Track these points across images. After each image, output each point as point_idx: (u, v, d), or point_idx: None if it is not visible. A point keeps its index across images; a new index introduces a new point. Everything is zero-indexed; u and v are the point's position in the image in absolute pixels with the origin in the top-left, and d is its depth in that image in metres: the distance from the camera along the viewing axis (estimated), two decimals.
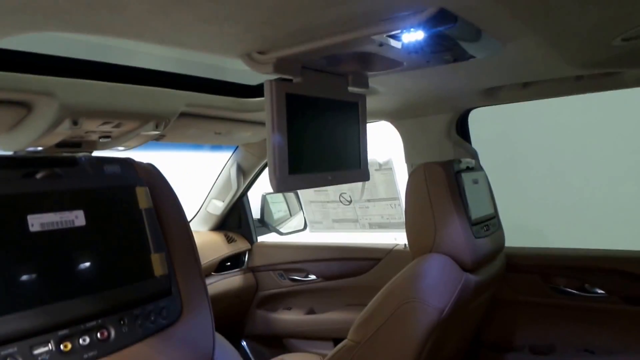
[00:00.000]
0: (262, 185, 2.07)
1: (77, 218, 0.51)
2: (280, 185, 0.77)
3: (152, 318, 0.55)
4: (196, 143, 1.96)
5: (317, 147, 0.86)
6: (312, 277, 2.01)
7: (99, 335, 0.50)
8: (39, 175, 0.51)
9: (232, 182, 2.00)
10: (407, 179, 1.31)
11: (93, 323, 0.50)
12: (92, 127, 0.96)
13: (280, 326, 2.03)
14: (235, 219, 2.14)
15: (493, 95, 1.34)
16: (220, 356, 0.64)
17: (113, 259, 0.53)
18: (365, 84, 0.98)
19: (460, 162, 1.33)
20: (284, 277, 2.06)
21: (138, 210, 0.57)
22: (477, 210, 1.30)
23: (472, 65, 0.92)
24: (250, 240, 2.13)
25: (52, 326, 0.47)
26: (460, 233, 1.19)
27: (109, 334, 0.51)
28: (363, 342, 1.09)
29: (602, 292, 1.45)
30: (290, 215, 2.29)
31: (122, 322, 0.52)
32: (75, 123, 0.88)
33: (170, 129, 1.19)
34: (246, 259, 2.12)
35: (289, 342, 2.03)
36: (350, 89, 0.96)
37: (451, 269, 1.16)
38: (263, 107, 1.37)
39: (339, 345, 1.14)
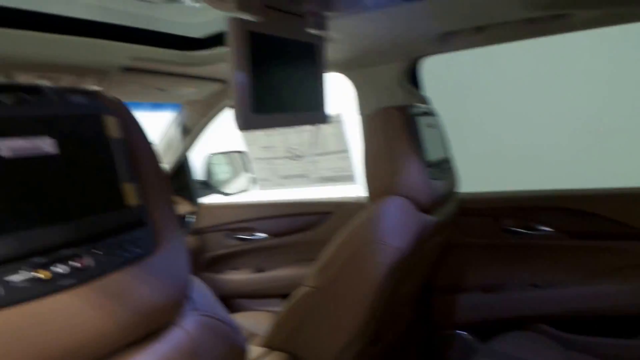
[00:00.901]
0: (207, 146, 2.00)
1: (47, 145, 0.49)
2: (245, 123, 0.76)
3: (128, 248, 0.54)
4: (137, 101, 1.84)
5: (279, 88, 0.85)
6: (260, 235, 1.99)
7: (75, 263, 0.49)
8: (5, 100, 0.48)
9: (175, 143, 1.92)
10: (365, 124, 1.30)
11: (69, 251, 0.49)
12: (27, 82, 0.87)
13: (227, 287, 2.01)
14: (178, 181, 2.07)
15: (446, 42, 1.33)
16: (195, 290, 0.65)
17: (84, 188, 0.52)
18: (324, 26, 0.95)
19: (415, 106, 1.34)
20: (230, 237, 2.03)
21: (107, 139, 0.54)
22: (432, 153, 1.32)
23: (428, 7, 0.91)
24: (194, 202, 2.07)
25: (26, 253, 0.46)
26: (417, 175, 1.20)
27: (86, 262, 0.50)
28: (323, 287, 1.09)
29: (549, 229, 1.54)
30: (236, 175, 2.24)
31: (97, 251, 0.52)
32: (8, 77, 0.79)
33: (109, 85, 1.10)
34: (191, 221, 2.06)
35: (238, 303, 2.03)
36: (310, 30, 0.94)
37: (409, 210, 1.17)
38: (209, 61, 1.31)
39: (296, 293, 1.13)
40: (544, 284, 1.54)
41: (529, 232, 1.57)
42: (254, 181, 2.19)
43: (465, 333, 1.61)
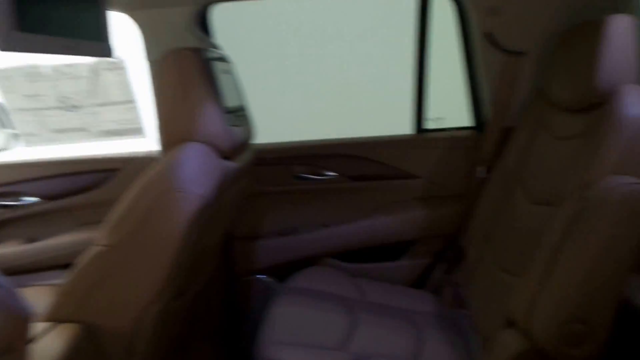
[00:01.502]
0: None
1: None
2: (7, 42, 0.64)
3: None
4: None
5: (52, 5, 0.75)
6: (30, 199, 1.72)
7: None
8: None
9: None
10: (154, 68, 1.20)
11: None
12: None
13: None
14: None
15: None
16: None
17: None
18: None
19: (210, 50, 1.29)
20: None
21: None
22: (229, 99, 1.30)
23: None
24: None
25: None
26: (215, 120, 1.17)
27: None
28: (118, 244, 1.00)
29: (333, 174, 1.69)
30: None
31: None
32: None
33: None
34: None
35: None
36: None
37: (210, 156, 1.14)
38: None
39: (85, 256, 1.02)
40: (331, 223, 1.71)
41: (317, 177, 1.70)
42: (16, 137, 1.85)
43: (264, 277, 1.70)
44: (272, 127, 1.71)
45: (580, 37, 1.20)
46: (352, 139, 1.71)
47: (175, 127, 1.17)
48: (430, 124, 1.74)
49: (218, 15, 1.65)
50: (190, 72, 1.16)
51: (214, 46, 1.57)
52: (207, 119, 1.16)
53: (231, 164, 1.23)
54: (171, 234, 0.99)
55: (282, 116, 2.32)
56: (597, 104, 1.12)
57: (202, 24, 1.58)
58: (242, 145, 1.36)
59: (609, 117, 1.04)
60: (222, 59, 1.37)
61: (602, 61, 1.09)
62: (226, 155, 1.21)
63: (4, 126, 1.83)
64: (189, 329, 1.49)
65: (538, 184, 1.27)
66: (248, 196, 1.68)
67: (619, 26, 1.12)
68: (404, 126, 1.75)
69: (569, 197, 1.06)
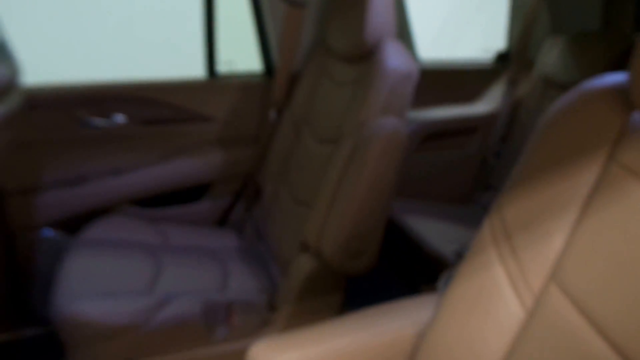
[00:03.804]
0: None
1: None
2: None
3: None
4: None
5: None
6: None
7: None
8: None
9: None
10: None
11: None
12: None
13: None
14: None
15: None
16: None
17: None
18: None
19: None
20: None
21: None
22: None
23: None
24: None
25: None
26: None
27: None
28: None
29: (122, 118, 1.60)
30: None
31: None
32: None
33: None
34: None
35: None
36: None
37: None
38: None
39: None
40: (125, 170, 1.63)
41: (105, 122, 1.59)
42: None
43: (50, 230, 1.56)
44: (45, 66, 1.51)
45: None
46: (143, 81, 1.63)
47: None
48: (222, 67, 1.76)
49: None
50: None
51: None
52: None
53: None
54: None
55: (57, 52, 2.04)
56: (366, 56, 1.31)
57: None
58: (7, 85, 1.18)
59: (375, 67, 1.24)
60: None
61: (368, 19, 1.27)
62: None
63: None
64: None
65: (322, 124, 1.44)
66: (21, 145, 1.48)
67: None
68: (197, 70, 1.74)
69: (346, 136, 1.25)
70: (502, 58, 2.22)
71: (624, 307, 0.55)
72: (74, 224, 1.56)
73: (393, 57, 1.25)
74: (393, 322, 0.80)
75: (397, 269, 2.00)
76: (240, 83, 1.72)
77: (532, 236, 0.68)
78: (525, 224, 0.69)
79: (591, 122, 0.65)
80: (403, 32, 1.98)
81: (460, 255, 1.56)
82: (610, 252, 0.58)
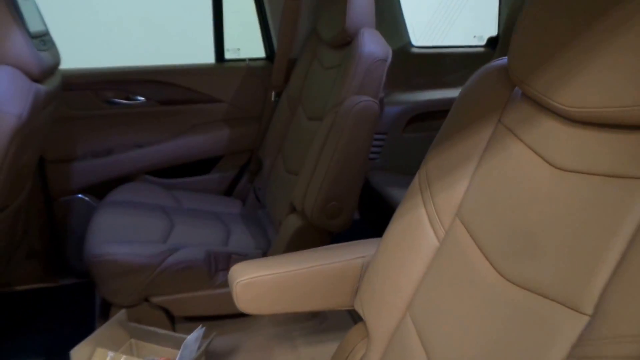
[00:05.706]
0: None
1: None
2: None
3: None
4: None
5: None
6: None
7: None
8: None
9: None
10: None
11: None
12: None
13: None
14: None
15: None
16: None
17: None
18: None
19: None
20: None
21: None
22: (33, 24, 1.35)
23: None
24: None
25: None
26: (22, 44, 1.23)
27: None
28: None
29: (142, 98, 1.84)
30: None
31: None
32: None
33: None
34: None
35: None
36: None
37: (21, 78, 1.21)
38: None
39: None
40: (145, 144, 1.88)
41: (127, 102, 1.83)
42: None
43: (81, 195, 1.82)
44: (77, 54, 1.76)
45: None
46: (160, 66, 1.87)
47: None
48: (230, 54, 1.98)
49: None
50: None
51: None
52: (13, 43, 1.22)
53: (42, 87, 1.31)
54: None
55: (86, 43, 2.30)
56: (347, 42, 1.51)
57: None
58: (51, 69, 1.42)
59: (353, 53, 1.43)
60: None
61: (350, 9, 1.47)
62: (36, 79, 1.28)
63: None
64: (10, 245, 1.57)
65: (312, 104, 1.64)
66: (58, 120, 1.74)
67: None
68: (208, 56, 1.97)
69: (328, 113, 1.45)
70: (493, 42, 2.37)
71: (493, 228, 0.75)
72: (101, 189, 1.81)
73: (369, 43, 1.44)
74: (346, 254, 1.01)
75: (378, 230, 2.20)
76: (245, 67, 1.94)
77: (444, 183, 0.87)
78: (440, 174, 0.89)
79: (488, 94, 0.84)
80: (396, 20, 2.16)
81: None
82: (492, 189, 0.78)
